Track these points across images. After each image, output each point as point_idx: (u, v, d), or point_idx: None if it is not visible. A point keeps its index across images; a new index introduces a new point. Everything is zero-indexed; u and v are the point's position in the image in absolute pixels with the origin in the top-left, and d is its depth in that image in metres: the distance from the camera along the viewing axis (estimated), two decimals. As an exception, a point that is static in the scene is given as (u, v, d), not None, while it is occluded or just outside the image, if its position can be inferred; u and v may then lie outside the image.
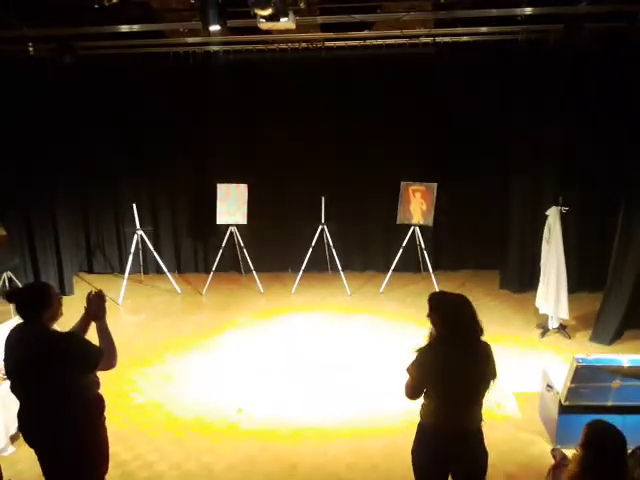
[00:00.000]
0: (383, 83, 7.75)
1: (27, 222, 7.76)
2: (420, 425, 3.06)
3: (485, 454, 3.02)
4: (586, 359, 4.10)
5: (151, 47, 7.20)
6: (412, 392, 3.00)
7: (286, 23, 5.22)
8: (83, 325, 3.21)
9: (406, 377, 3.00)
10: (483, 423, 3.02)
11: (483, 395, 2.96)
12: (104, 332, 3.08)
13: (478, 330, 2.92)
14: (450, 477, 3.10)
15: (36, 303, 2.97)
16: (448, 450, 2.92)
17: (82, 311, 3.21)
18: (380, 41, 7.15)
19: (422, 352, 2.93)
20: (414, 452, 3.09)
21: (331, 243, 7.83)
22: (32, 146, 7.44)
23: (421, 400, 3.03)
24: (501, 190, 7.72)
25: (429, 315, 2.98)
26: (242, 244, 7.96)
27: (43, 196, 7.71)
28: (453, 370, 2.83)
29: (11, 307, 3.61)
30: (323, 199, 7.68)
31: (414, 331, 6.21)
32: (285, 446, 4.54)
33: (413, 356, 2.97)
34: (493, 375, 2.93)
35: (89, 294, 3.17)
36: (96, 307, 3.11)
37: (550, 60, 6.83)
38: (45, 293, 3.02)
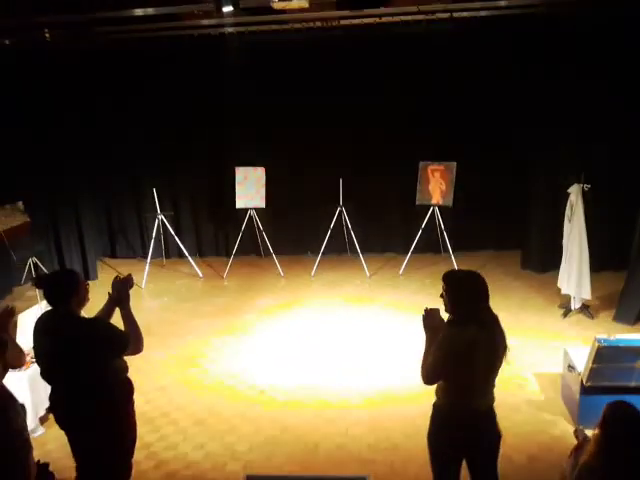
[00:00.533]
0: (399, 62, 7.63)
1: (51, 209, 7.89)
2: (436, 406, 3.02)
3: (499, 434, 2.99)
4: (608, 339, 4.06)
5: (166, 30, 7.19)
6: (433, 375, 2.92)
7: (299, 2, 5.17)
8: (108, 310, 3.27)
9: (420, 360, 2.97)
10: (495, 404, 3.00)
11: (498, 372, 2.93)
12: (129, 317, 3.13)
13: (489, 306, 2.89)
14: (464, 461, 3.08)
15: (64, 290, 3.02)
16: (464, 431, 2.89)
17: (107, 296, 3.27)
18: (397, 18, 7.04)
19: (443, 334, 2.87)
20: (430, 435, 3.05)
21: (349, 225, 7.82)
22: (53, 132, 7.51)
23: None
24: (522, 168, 7.59)
25: (443, 295, 2.95)
26: (261, 227, 7.99)
27: (65, 182, 7.80)
28: (475, 348, 2.78)
29: (38, 292, 3.70)
30: (341, 181, 7.65)
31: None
32: (307, 426, 4.60)
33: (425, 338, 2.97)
34: (505, 347, 2.89)
35: (115, 279, 3.23)
36: (119, 293, 3.16)
37: (568, 33, 6.68)
38: (72, 280, 3.08)
